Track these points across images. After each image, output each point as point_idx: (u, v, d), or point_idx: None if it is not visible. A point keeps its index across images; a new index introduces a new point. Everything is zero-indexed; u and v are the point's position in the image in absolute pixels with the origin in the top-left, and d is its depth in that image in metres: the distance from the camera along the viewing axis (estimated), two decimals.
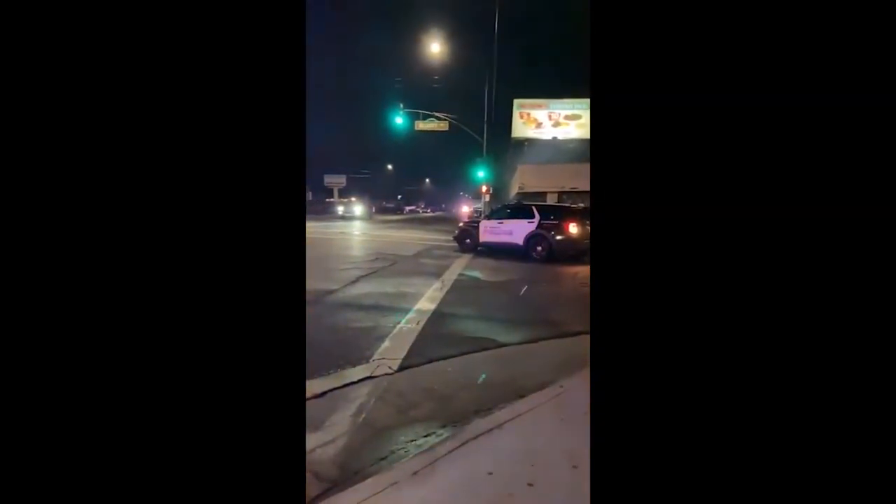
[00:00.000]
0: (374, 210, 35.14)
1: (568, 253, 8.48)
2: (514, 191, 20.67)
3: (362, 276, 6.42)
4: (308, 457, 1.82)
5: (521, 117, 21.77)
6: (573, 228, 8.40)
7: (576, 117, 21.09)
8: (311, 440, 1.95)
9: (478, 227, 9.59)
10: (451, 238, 10.94)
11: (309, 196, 40.99)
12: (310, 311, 4.34)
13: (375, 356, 3.08)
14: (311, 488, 1.63)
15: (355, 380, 2.65)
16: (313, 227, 18.00)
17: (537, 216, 8.73)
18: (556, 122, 21.38)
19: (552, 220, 8.58)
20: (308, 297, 4.85)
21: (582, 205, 10.14)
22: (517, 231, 8.89)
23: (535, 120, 21.66)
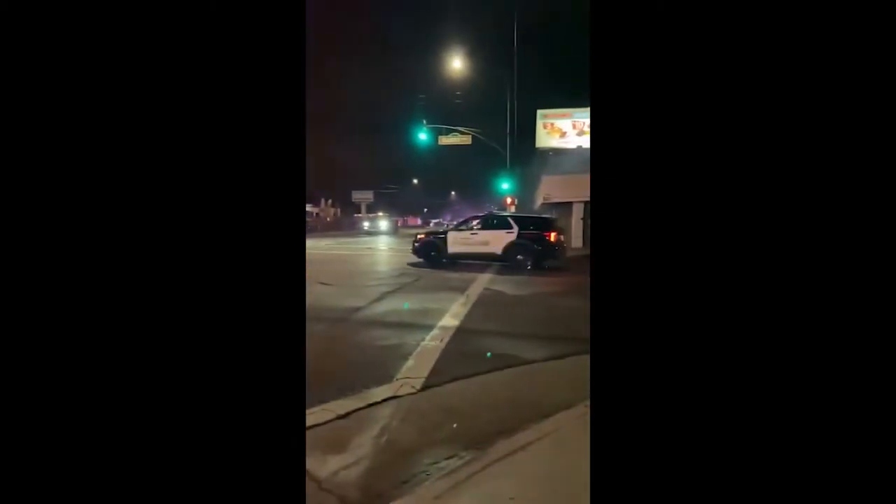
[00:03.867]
0: (399, 224, 35.50)
1: (547, 260, 9.42)
2: (538, 202, 20.55)
3: (388, 293, 6.48)
4: (332, 479, 1.85)
5: (545, 127, 21.68)
6: (552, 237, 9.37)
7: None
8: (336, 462, 1.97)
9: (445, 239, 9.96)
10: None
11: (338, 212, 41.83)
12: (337, 328, 4.41)
13: (399, 375, 3.10)
14: None
15: (379, 400, 2.67)
16: (341, 243, 18.31)
17: (516, 227, 9.43)
18: (580, 130, 21.17)
19: (532, 230, 9.39)
20: (336, 314, 4.95)
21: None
22: (494, 241, 9.46)
23: (559, 129, 21.52)
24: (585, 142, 21.23)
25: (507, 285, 7.30)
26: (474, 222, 10.14)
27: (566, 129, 21.43)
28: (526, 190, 24.97)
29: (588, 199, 17.01)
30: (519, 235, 9.37)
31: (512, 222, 9.62)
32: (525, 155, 22.61)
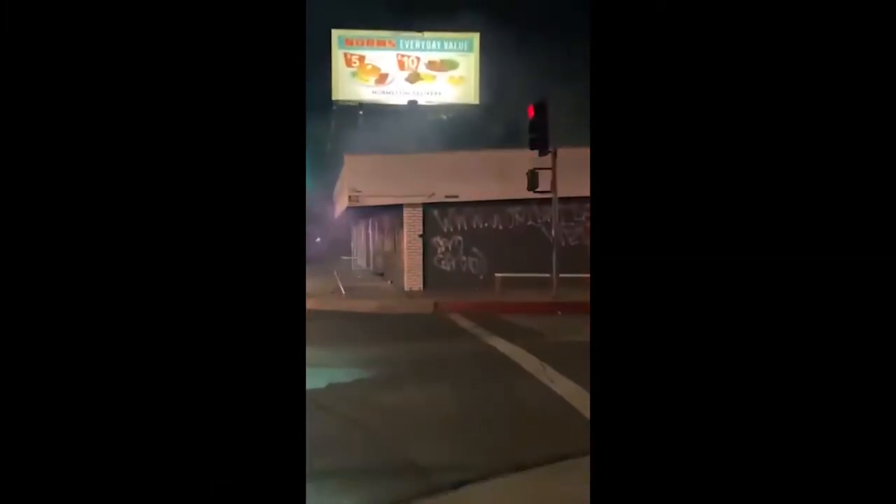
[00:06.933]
0: None
1: None
2: (339, 204, 11.25)
3: None
4: None
5: (349, 63, 12.06)
6: None
7: (449, 65, 12.15)
8: None
9: None
10: None
11: None
12: None
13: None
14: None
15: None
16: None
17: None
18: (412, 71, 12.02)
19: None
20: None
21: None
22: None
23: (375, 69, 12.12)
24: (423, 92, 12.22)
25: None
26: None
27: (387, 69, 12.18)
28: (320, 177, 14.67)
29: (431, 199, 9.89)
30: None
31: None
32: (319, 115, 13.01)
